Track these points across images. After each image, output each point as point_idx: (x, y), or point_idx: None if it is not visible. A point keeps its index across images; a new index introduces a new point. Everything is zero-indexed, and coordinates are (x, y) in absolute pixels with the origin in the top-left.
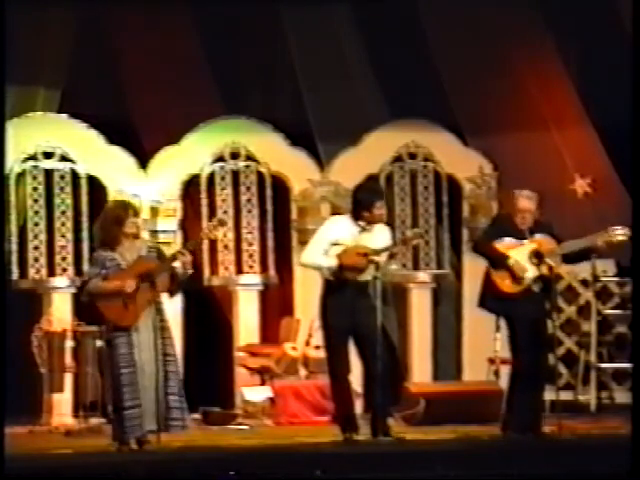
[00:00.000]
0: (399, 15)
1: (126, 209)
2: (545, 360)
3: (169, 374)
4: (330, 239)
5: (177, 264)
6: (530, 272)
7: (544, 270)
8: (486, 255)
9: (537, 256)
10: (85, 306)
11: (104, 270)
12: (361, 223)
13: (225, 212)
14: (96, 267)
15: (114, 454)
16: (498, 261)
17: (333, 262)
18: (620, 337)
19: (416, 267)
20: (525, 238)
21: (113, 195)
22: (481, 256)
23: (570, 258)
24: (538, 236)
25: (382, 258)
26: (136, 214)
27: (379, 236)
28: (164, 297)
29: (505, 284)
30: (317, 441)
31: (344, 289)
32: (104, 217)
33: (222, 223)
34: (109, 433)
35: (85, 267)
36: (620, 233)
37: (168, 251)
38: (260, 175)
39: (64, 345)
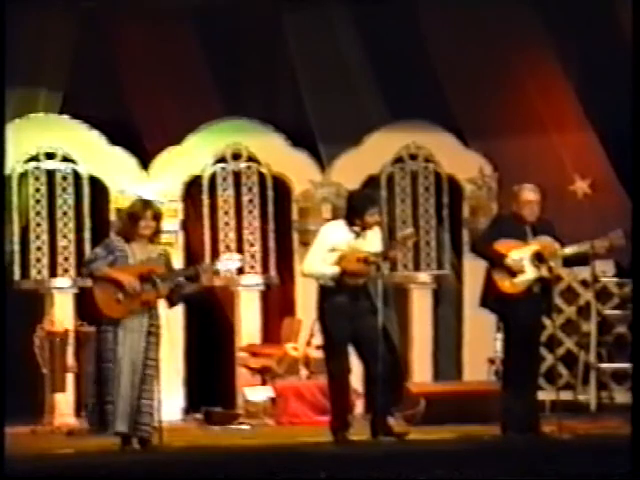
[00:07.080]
0: (399, 16)
1: (144, 209)
2: (540, 361)
3: (147, 377)
4: (328, 246)
5: (182, 279)
6: (530, 273)
7: (545, 272)
8: (483, 255)
9: (539, 258)
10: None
11: (112, 256)
12: (356, 229)
13: (226, 213)
14: (105, 250)
15: (116, 454)
16: (495, 261)
17: (335, 270)
18: (620, 337)
19: (417, 268)
20: (527, 238)
21: (115, 196)
22: (479, 256)
23: (569, 261)
24: (541, 238)
25: (381, 260)
26: (156, 217)
27: (373, 240)
28: (162, 303)
29: (505, 285)
30: (318, 441)
31: (342, 292)
32: (125, 211)
33: None
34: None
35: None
36: (619, 237)
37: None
38: (261, 176)
39: (66, 345)
